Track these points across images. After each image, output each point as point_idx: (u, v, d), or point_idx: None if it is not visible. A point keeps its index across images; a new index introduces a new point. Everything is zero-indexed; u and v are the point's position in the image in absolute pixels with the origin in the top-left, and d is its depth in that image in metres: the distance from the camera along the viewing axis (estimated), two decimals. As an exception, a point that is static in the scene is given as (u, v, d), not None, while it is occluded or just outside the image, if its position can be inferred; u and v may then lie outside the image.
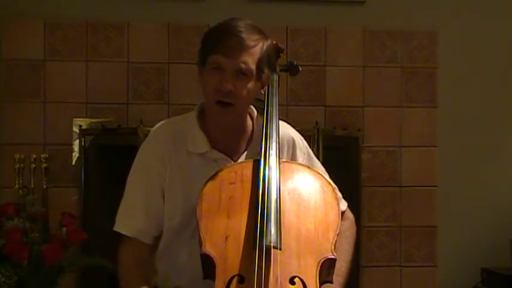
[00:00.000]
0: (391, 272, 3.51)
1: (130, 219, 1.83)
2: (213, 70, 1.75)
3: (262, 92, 1.87)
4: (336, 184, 1.86)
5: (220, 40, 1.73)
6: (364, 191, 3.48)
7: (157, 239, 1.86)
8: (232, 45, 1.72)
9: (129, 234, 1.82)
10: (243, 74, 1.74)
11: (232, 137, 1.86)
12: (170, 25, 3.40)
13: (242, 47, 1.73)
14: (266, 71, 1.80)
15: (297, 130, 2.00)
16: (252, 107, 1.92)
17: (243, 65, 1.73)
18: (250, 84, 1.76)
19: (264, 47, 1.77)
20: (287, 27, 3.46)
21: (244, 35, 1.73)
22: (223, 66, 1.73)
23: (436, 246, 3.53)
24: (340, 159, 3.31)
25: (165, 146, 1.83)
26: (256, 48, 1.75)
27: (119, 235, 1.84)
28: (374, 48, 3.53)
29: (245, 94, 1.76)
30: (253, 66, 1.75)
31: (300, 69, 2.09)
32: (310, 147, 2.01)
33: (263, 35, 1.79)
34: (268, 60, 1.80)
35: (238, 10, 3.17)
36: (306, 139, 2.00)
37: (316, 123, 3.31)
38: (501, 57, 3.60)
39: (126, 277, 1.76)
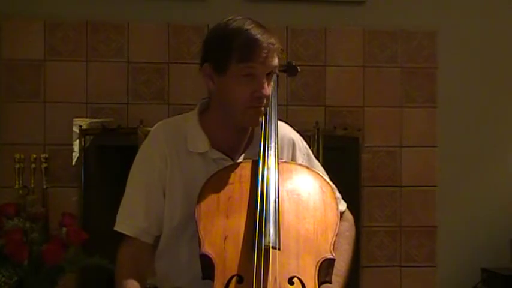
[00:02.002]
0: (391, 272, 3.51)
1: (130, 219, 1.82)
2: (244, 77, 1.74)
3: None
4: (336, 184, 1.87)
5: (251, 50, 1.72)
6: (364, 191, 3.48)
7: (158, 239, 1.85)
8: (266, 53, 1.73)
9: (129, 234, 1.81)
10: (270, 75, 1.77)
11: (234, 137, 1.86)
12: (170, 25, 3.40)
13: (274, 54, 1.75)
14: (278, 65, 1.83)
15: (297, 130, 2.00)
16: None
17: (274, 68, 1.77)
18: (272, 82, 1.80)
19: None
20: (287, 27, 3.46)
21: (272, 43, 1.75)
22: (256, 73, 1.74)
23: (436, 246, 3.53)
24: (340, 159, 3.31)
25: (166, 144, 1.83)
26: (278, 49, 1.78)
27: (120, 235, 1.83)
28: (374, 48, 3.53)
29: (270, 93, 1.79)
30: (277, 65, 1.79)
31: (299, 69, 2.09)
32: (310, 147, 2.01)
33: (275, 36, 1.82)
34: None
35: (238, 10, 3.14)
36: (306, 139, 2.00)
37: (316, 123, 3.31)
38: (501, 57, 3.60)
39: (120, 273, 1.75)
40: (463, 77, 3.57)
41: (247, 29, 1.75)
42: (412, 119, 3.54)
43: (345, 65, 3.51)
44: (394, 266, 3.51)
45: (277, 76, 1.97)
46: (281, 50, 1.98)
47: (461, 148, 3.56)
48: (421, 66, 3.55)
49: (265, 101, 1.76)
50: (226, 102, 1.77)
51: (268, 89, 1.75)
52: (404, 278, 3.52)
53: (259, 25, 1.78)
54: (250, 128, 1.88)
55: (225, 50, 1.75)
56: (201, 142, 1.83)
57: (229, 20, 1.79)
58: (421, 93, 3.55)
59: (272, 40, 1.75)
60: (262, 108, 1.77)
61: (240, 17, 1.79)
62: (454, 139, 3.54)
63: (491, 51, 3.58)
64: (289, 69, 2.08)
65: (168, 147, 1.83)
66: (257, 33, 1.74)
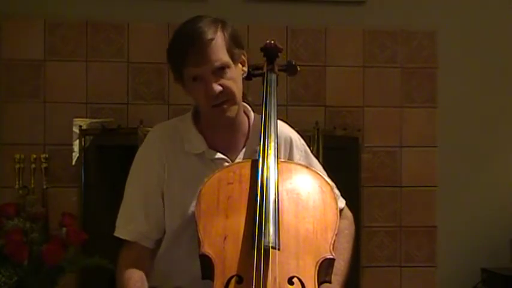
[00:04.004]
0: (391, 272, 3.51)
1: (130, 224, 1.82)
2: (194, 82, 1.76)
3: (245, 69, 1.87)
4: (336, 184, 1.86)
5: (185, 52, 1.73)
6: (364, 191, 3.48)
7: (158, 243, 1.85)
8: (198, 52, 1.72)
9: (129, 239, 1.81)
10: (221, 69, 1.75)
11: (229, 136, 1.86)
12: (170, 25, 3.39)
13: (206, 46, 1.72)
14: (236, 51, 1.80)
15: (297, 130, 2.00)
16: (246, 105, 1.92)
17: (217, 63, 1.74)
18: (231, 72, 1.77)
19: (225, 34, 1.78)
20: (287, 27, 3.46)
21: (202, 35, 1.72)
22: (200, 75, 1.74)
23: (436, 246, 3.53)
24: (340, 160, 3.30)
25: (163, 147, 1.84)
26: (218, 39, 1.75)
27: (120, 239, 1.83)
28: (374, 49, 3.53)
29: (233, 85, 1.77)
30: (226, 58, 1.76)
31: (299, 69, 2.09)
32: (310, 147, 2.01)
33: (219, 23, 1.78)
34: (235, 41, 1.80)
35: (238, 10, 3.17)
36: (306, 139, 2.00)
37: (316, 123, 3.31)
38: (501, 57, 3.60)
39: (121, 276, 1.74)
40: (463, 77, 3.57)
41: (179, 34, 1.77)
42: (412, 119, 3.53)
43: (345, 65, 3.51)
44: (394, 266, 3.51)
45: (277, 76, 1.97)
46: (277, 47, 1.99)
47: (461, 148, 3.55)
48: (421, 66, 3.55)
49: (222, 97, 1.74)
50: (197, 105, 1.83)
51: (225, 84, 1.74)
52: (404, 278, 3.52)
53: (206, 21, 1.75)
54: (246, 126, 1.89)
55: (171, 57, 1.81)
56: (198, 143, 1.83)
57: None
58: (421, 93, 3.54)
59: (209, 36, 1.72)
60: (225, 106, 1.76)
61: (196, 17, 1.79)
62: (454, 139, 3.54)
63: (491, 51, 3.58)
64: (288, 68, 2.07)
65: (165, 149, 1.83)
66: (192, 32, 1.73)
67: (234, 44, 1.79)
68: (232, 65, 1.78)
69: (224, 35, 1.77)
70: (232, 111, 1.79)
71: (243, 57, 1.85)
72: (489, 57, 3.57)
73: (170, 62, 1.82)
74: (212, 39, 1.73)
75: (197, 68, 1.73)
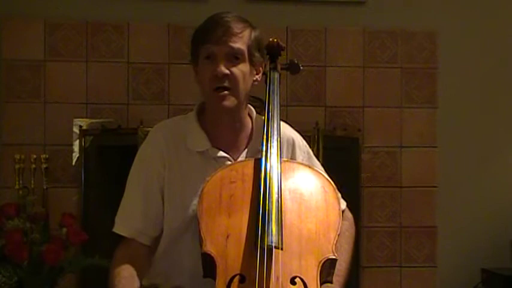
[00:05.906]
0: (391, 272, 3.51)
1: (128, 220, 1.83)
2: (206, 60, 1.79)
3: (258, 79, 1.88)
4: (336, 185, 1.86)
5: (208, 31, 1.78)
6: (364, 191, 3.48)
7: (156, 240, 1.85)
8: (220, 33, 1.76)
9: (126, 235, 1.82)
10: (235, 57, 1.78)
11: (232, 135, 1.87)
12: (170, 25, 3.40)
13: (230, 33, 1.77)
14: (257, 54, 1.83)
15: (297, 131, 2.00)
16: (250, 106, 1.93)
17: (233, 46, 1.77)
18: (244, 67, 1.79)
19: (252, 34, 1.82)
20: (287, 27, 3.46)
21: (230, 24, 1.78)
22: (214, 54, 1.77)
23: (436, 246, 3.53)
24: (340, 160, 3.30)
25: (165, 145, 1.84)
26: (244, 33, 1.80)
27: (119, 237, 1.84)
28: (374, 49, 3.53)
29: (240, 77, 1.78)
30: (243, 48, 1.79)
31: (301, 67, 2.09)
32: (310, 147, 2.01)
33: (249, 25, 1.83)
34: (258, 46, 1.84)
35: (238, 10, 3.12)
36: (306, 139, 2.00)
37: (316, 123, 3.31)
38: (501, 57, 3.60)
39: (112, 272, 1.74)
40: (463, 77, 3.57)
41: (212, 17, 1.81)
42: (412, 119, 3.53)
43: (345, 65, 3.51)
44: (394, 266, 3.51)
45: (279, 75, 1.97)
46: (280, 46, 2.00)
47: (461, 148, 3.56)
48: (421, 67, 3.55)
49: (225, 82, 1.76)
50: (201, 91, 1.83)
51: (233, 71, 1.76)
52: (404, 278, 3.51)
53: (235, 16, 1.81)
54: (250, 126, 1.89)
55: (194, 39, 1.83)
56: (201, 140, 1.84)
57: None
58: (421, 94, 3.54)
59: (233, 24, 1.77)
60: (226, 93, 1.77)
61: (225, 11, 1.84)
62: (454, 139, 3.54)
63: (491, 51, 3.58)
64: (291, 67, 2.07)
65: (167, 147, 1.84)
66: (220, 18, 1.79)
67: (256, 47, 1.83)
68: (247, 62, 1.81)
69: (250, 34, 1.81)
70: (230, 101, 1.79)
71: (260, 67, 1.88)
72: (489, 57, 3.58)
73: (192, 41, 1.84)
74: (238, 30, 1.78)
75: (214, 46, 1.76)
